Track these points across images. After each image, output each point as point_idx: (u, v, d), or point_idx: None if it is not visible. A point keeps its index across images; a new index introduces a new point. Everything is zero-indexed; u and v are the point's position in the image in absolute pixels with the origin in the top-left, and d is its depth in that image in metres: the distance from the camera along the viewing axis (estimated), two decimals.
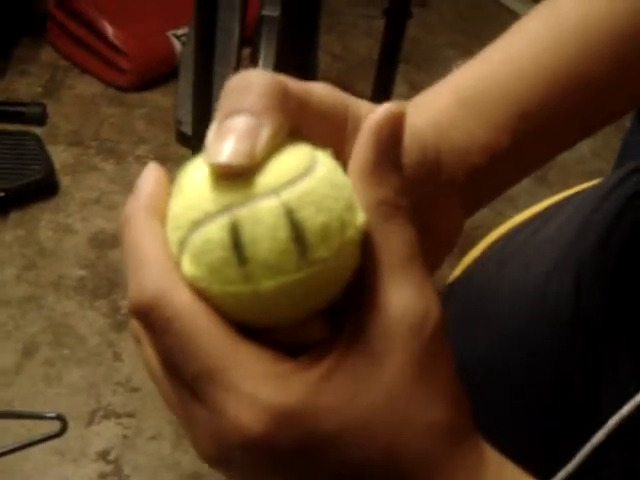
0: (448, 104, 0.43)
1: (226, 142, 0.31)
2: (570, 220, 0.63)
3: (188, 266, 0.32)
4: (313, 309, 0.33)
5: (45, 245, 1.76)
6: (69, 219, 1.82)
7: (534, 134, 0.45)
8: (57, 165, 1.89)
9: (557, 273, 0.59)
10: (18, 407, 1.47)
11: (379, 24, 1.49)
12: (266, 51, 1.75)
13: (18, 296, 1.65)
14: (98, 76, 2.14)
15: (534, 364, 0.59)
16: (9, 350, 1.56)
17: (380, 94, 1.50)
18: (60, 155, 1.93)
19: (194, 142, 1.59)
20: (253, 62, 1.77)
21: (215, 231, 0.31)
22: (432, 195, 0.41)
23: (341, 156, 0.34)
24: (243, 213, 0.31)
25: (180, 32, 2.12)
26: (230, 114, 0.32)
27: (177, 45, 2.13)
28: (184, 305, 0.32)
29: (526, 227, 0.67)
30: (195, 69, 1.53)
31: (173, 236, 0.33)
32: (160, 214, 0.34)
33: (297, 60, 1.47)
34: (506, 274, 0.63)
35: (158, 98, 2.13)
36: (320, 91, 0.35)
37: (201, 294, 0.32)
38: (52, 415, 1.44)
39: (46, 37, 2.21)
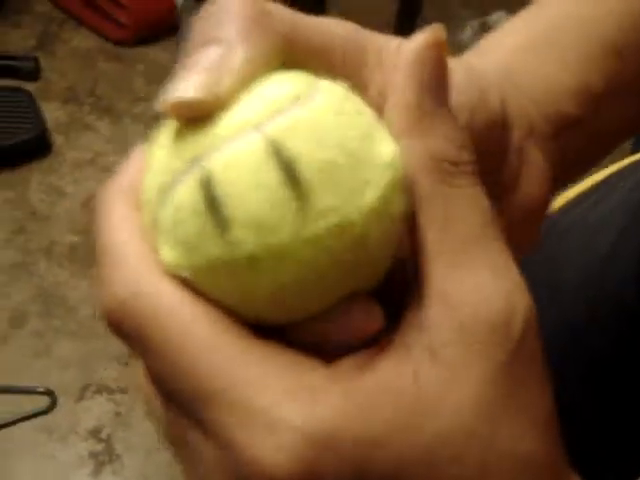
0: (519, 45, 0.36)
1: (189, 78, 0.25)
2: (630, 196, 0.58)
3: (165, 251, 0.24)
4: (339, 292, 0.24)
5: (36, 208, 1.69)
6: (61, 181, 1.74)
7: (632, 79, 0.37)
8: (50, 123, 1.82)
9: (617, 256, 0.55)
10: (4, 381, 1.40)
11: None
12: None
13: (6, 262, 1.59)
14: (95, 29, 2.07)
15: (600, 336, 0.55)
16: None
17: None
18: (53, 113, 1.86)
19: None
20: None
21: (184, 192, 0.23)
22: (496, 156, 0.32)
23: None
24: (215, 161, 0.23)
25: None
26: (200, 46, 0.26)
27: None
28: (165, 305, 0.24)
29: (580, 203, 0.62)
30: None
31: (146, 216, 0.25)
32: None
33: None
34: (563, 250, 0.57)
35: (157, 54, 2.05)
36: (321, 22, 0.28)
37: (190, 287, 0.24)
38: (41, 390, 1.39)
39: None
